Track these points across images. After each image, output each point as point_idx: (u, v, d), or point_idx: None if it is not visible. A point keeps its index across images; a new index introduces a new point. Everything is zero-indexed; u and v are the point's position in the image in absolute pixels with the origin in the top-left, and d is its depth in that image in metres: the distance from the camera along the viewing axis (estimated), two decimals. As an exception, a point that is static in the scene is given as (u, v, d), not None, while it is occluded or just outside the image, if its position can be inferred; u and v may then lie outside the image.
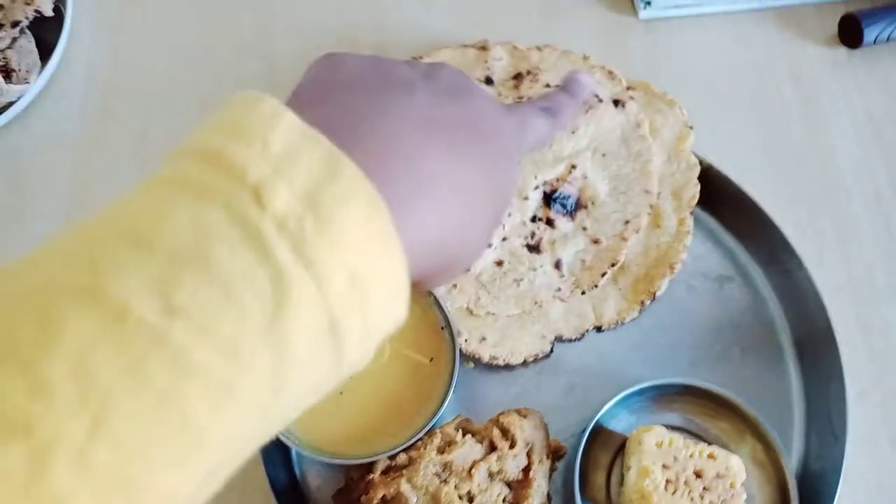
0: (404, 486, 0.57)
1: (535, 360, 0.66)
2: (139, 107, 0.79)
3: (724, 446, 0.60)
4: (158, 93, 0.80)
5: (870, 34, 0.77)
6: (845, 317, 0.68)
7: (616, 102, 0.70)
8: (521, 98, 0.70)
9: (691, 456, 0.58)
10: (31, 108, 0.78)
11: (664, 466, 0.57)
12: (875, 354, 0.67)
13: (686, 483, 0.56)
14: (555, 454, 0.62)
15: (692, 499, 0.56)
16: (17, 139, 0.78)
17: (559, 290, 0.67)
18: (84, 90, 0.80)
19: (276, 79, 0.80)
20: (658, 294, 0.67)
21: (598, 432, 0.62)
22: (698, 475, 0.57)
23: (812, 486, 0.60)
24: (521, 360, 0.65)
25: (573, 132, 0.69)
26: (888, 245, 0.71)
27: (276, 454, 0.62)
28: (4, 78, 0.76)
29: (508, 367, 0.66)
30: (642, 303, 0.67)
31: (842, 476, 0.58)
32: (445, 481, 0.57)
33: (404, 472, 0.57)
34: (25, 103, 0.77)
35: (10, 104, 0.76)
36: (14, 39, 0.78)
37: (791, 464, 0.61)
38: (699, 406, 0.63)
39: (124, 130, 0.78)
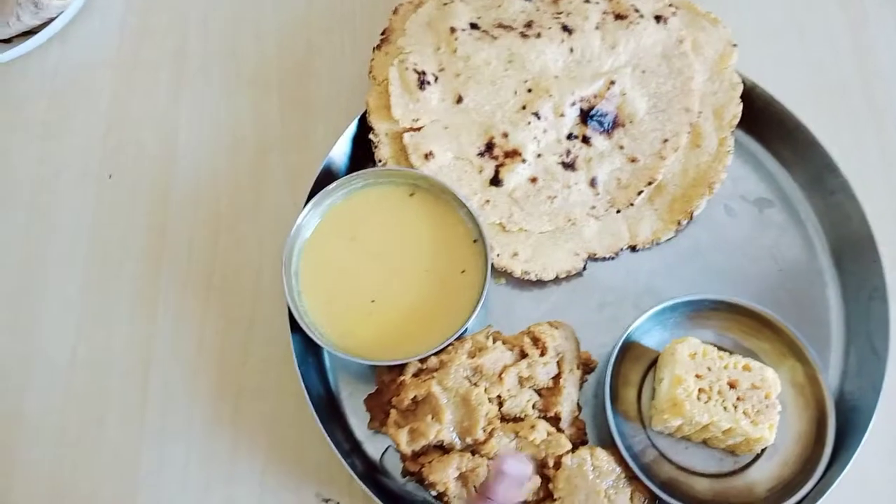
0: (435, 388, 0.57)
1: (568, 278, 0.66)
2: (176, 25, 0.79)
3: (760, 365, 0.59)
4: (195, 11, 0.80)
5: (926, -43, 0.74)
6: (891, 242, 0.66)
7: (658, 18, 0.68)
8: (559, 14, 0.68)
9: (725, 367, 0.57)
10: (70, 26, 0.79)
11: (697, 376, 0.56)
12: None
13: (720, 393, 0.56)
14: (585, 366, 0.62)
15: (725, 408, 0.55)
16: (57, 56, 0.78)
17: (593, 207, 0.66)
18: (123, 9, 0.80)
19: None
20: (695, 214, 0.66)
21: (631, 347, 0.62)
22: (732, 386, 0.56)
23: (850, 403, 0.59)
24: (552, 277, 0.65)
25: (612, 48, 0.67)
26: (937, 170, 0.69)
27: (310, 367, 0.63)
28: (45, -6, 0.76)
29: (540, 282, 0.65)
30: (679, 223, 0.66)
31: (881, 395, 0.57)
32: (475, 384, 0.57)
33: (435, 374, 0.58)
34: (65, 20, 0.78)
35: (51, 21, 0.77)
36: (55, -43, 0.78)
37: (828, 380, 0.59)
38: (735, 323, 0.62)
39: (161, 48, 0.78)
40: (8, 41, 0.78)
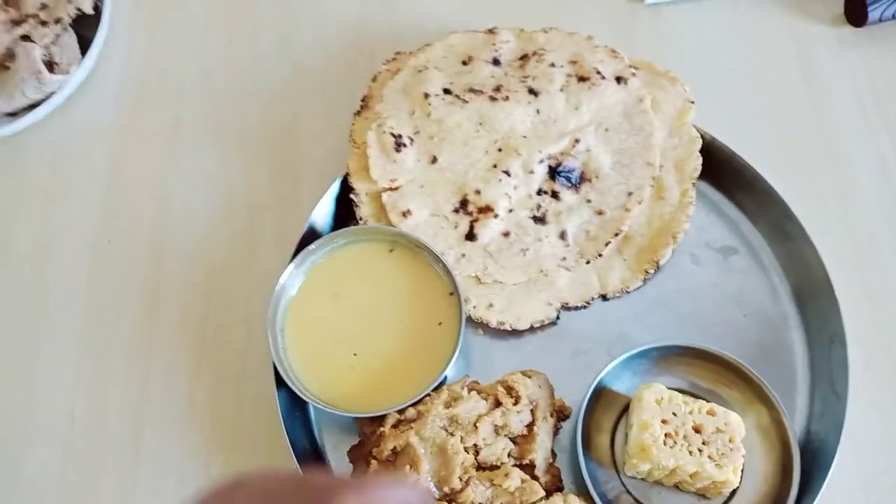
0: (413, 439, 0.59)
1: (542, 327, 0.68)
2: (172, 98, 0.84)
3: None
4: (190, 85, 0.85)
5: (875, 12, 0.79)
6: (850, 286, 0.68)
7: (618, 79, 0.72)
8: (526, 77, 0.73)
9: (690, 412, 0.59)
10: (71, 99, 0.83)
11: (664, 421, 0.58)
12: (881, 322, 0.68)
13: (685, 437, 0.58)
14: (559, 413, 0.64)
15: (691, 452, 0.57)
16: (59, 128, 0.83)
17: (564, 259, 0.69)
18: (120, 82, 0.85)
19: (294, 56, 0.84)
20: (662, 263, 0.69)
21: (603, 394, 0.64)
22: (697, 430, 0.58)
23: (815, 444, 0.61)
24: (527, 326, 0.68)
25: (576, 108, 0.71)
26: (894, 214, 0.72)
27: (297, 420, 0.65)
28: (48, 71, 0.81)
29: (515, 332, 0.68)
30: (646, 272, 0.69)
31: (844, 434, 0.59)
32: (452, 434, 0.60)
33: (413, 425, 0.60)
34: (66, 94, 0.82)
35: (52, 95, 0.82)
36: (57, 35, 0.83)
37: (793, 423, 0.61)
38: (702, 368, 0.64)
39: (158, 120, 0.83)
40: (13, 114, 0.83)
